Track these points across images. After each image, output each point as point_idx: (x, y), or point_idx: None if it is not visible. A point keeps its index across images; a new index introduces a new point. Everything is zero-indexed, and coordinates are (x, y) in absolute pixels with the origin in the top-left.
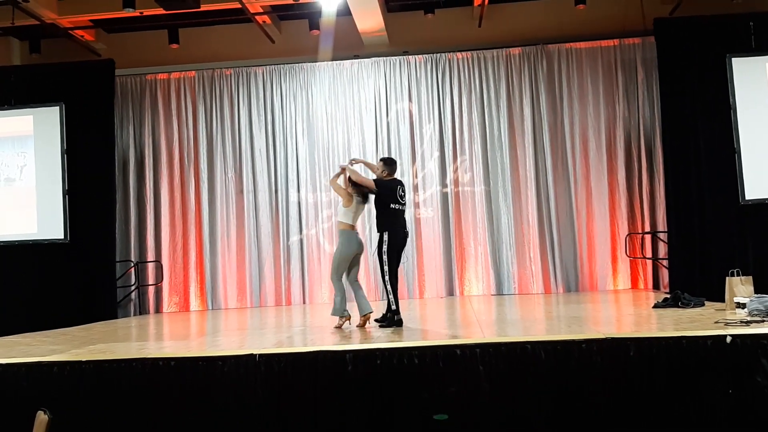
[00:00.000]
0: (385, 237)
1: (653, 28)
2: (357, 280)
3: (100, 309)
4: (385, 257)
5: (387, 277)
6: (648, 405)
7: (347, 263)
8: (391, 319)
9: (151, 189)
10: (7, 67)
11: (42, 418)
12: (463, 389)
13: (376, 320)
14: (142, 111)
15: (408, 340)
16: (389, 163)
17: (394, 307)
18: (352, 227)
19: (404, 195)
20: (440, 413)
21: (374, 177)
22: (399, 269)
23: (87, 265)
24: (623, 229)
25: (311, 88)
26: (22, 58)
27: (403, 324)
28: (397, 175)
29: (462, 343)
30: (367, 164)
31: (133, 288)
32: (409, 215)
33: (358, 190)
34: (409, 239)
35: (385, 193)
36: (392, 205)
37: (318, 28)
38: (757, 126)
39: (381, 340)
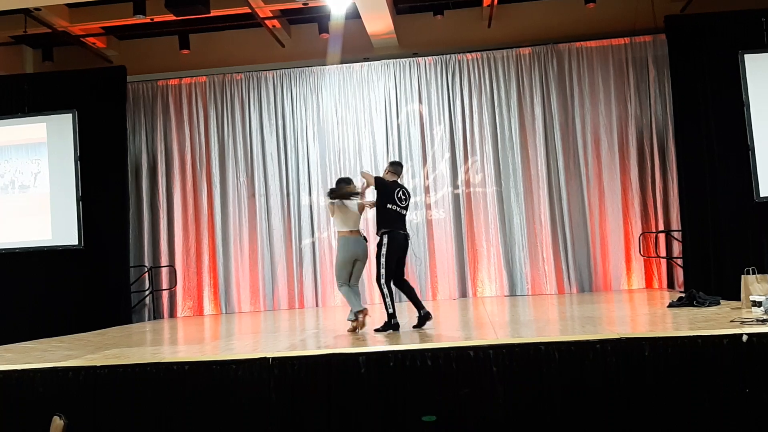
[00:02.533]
0: (385, 240)
1: (664, 25)
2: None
3: (114, 314)
4: (382, 260)
5: (382, 281)
6: (663, 405)
7: (346, 269)
8: (387, 324)
9: (163, 194)
10: (20, 75)
11: (57, 423)
12: (477, 391)
13: (376, 330)
14: (154, 117)
15: (421, 341)
16: (393, 164)
17: (390, 311)
18: (349, 232)
19: (404, 199)
20: (429, 414)
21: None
22: (411, 271)
23: (101, 270)
24: (637, 228)
25: (321, 92)
26: (34, 66)
27: (400, 328)
28: (408, 177)
29: (475, 344)
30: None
31: (147, 293)
32: (420, 217)
33: (335, 197)
34: (421, 241)
35: (383, 192)
36: (389, 206)
37: (327, 32)
38: None
39: (394, 342)
